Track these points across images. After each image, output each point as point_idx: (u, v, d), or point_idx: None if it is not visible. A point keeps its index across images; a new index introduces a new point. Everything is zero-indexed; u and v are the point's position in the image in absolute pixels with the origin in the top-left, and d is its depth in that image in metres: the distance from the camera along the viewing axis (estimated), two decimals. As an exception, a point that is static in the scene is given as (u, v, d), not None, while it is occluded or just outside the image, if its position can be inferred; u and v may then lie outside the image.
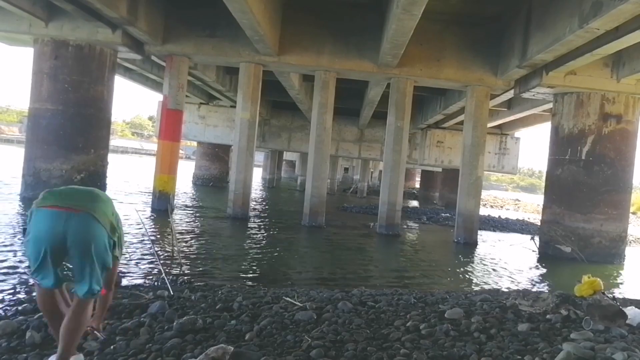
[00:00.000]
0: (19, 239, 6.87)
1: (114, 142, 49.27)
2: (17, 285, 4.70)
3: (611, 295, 4.68)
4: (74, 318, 2.60)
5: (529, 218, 21.95)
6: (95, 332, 2.93)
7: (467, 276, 7.98)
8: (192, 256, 7.17)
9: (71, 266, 2.58)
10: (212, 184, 24.35)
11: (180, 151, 15.32)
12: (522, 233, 14.90)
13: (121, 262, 6.11)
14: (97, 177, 11.42)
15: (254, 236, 10.13)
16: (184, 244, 8.06)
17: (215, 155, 25.24)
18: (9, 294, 4.42)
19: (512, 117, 18.67)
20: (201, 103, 23.15)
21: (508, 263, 9.36)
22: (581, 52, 8.47)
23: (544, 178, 13.10)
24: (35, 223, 2.52)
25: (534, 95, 11.54)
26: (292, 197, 23.62)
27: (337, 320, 3.89)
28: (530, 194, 68.94)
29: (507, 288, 6.59)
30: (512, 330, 3.85)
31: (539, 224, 12.34)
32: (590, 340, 3.54)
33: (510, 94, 13.05)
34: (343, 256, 8.76)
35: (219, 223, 11.38)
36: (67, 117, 10.79)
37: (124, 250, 3.06)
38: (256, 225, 11.56)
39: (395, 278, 7.23)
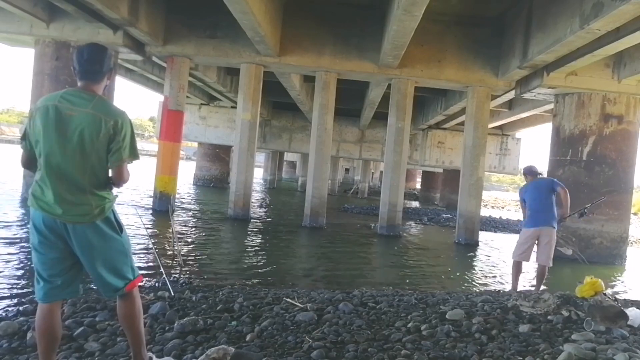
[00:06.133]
0: (19, 239, 6.89)
1: (114, 142, 48.96)
2: (18, 286, 4.70)
3: (612, 296, 4.68)
4: (124, 312, 2.53)
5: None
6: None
7: (468, 277, 7.97)
8: (193, 257, 7.17)
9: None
10: (212, 184, 24.36)
11: (181, 152, 15.33)
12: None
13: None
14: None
15: (255, 237, 10.13)
16: (185, 245, 8.06)
17: (216, 156, 25.25)
18: (10, 294, 4.42)
19: (513, 118, 18.67)
20: (202, 104, 23.17)
21: (509, 264, 9.33)
22: (582, 53, 8.47)
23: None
24: (36, 223, 2.45)
25: (534, 96, 11.54)
26: (293, 198, 23.62)
27: (338, 321, 3.89)
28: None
29: (508, 289, 6.58)
30: (513, 331, 3.85)
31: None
32: (591, 341, 3.54)
33: (511, 95, 13.05)
34: (344, 257, 8.76)
35: (219, 224, 11.38)
36: (68, 118, 10.78)
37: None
38: (257, 226, 11.56)
39: (396, 279, 7.23)
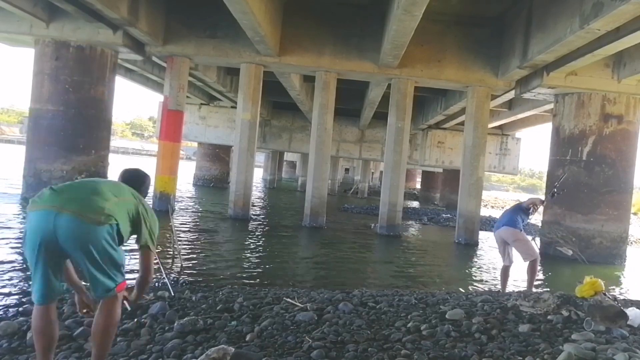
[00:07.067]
0: (19, 239, 6.88)
1: (114, 142, 49.21)
2: (18, 286, 4.70)
3: (612, 296, 4.68)
4: (101, 319, 2.49)
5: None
6: (125, 301, 2.78)
7: (468, 277, 7.98)
8: (193, 257, 7.17)
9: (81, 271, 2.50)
10: (212, 184, 24.37)
11: (181, 152, 15.33)
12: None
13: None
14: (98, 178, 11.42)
15: (255, 237, 10.13)
16: (185, 245, 8.06)
17: (216, 155, 25.25)
18: (10, 294, 4.42)
19: (512, 118, 18.67)
20: (202, 104, 23.16)
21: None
22: (582, 53, 8.47)
23: (544, 179, 13.09)
24: (28, 226, 2.42)
25: (534, 96, 11.54)
26: (293, 198, 23.62)
27: (338, 321, 3.89)
28: (531, 195, 68.89)
29: (509, 288, 6.58)
30: (513, 331, 3.84)
31: (539, 224, 12.32)
32: (591, 341, 3.54)
33: (511, 95, 13.05)
34: (344, 257, 8.76)
35: (219, 224, 11.38)
36: (67, 117, 10.79)
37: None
38: (257, 226, 11.56)
39: (396, 279, 7.23)
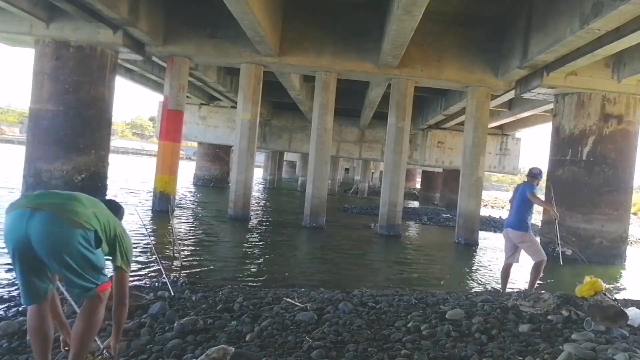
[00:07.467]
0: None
1: (114, 142, 49.21)
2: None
3: (612, 296, 4.68)
4: (81, 321, 2.44)
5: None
6: (106, 351, 2.68)
7: (468, 277, 7.97)
8: (193, 257, 7.17)
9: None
10: (212, 184, 24.37)
11: (181, 152, 15.33)
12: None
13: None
14: (98, 178, 11.42)
15: (255, 237, 10.14)
16: (185, 245, 8.06)
17: (216, 155, 25.26)
18: (10, 294, 4.42)
19: (512, 118, 18.67)
20: (202, 104, 23.17)
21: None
22: (582, 53, 8.46)
23: (544, 179, 13.05)
24: (4, 229, 2.38)
25: (534, 96, 11.54)
26: (293, 198, 23.62)
27: (338, 321, 3.89)
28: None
29: (508, 288, 6.58)
30: (513, 331, 3.84)
31: (539, 224, 12.32)
32: (591, 341, 3.54)
33: (511, 95, 13.04)
34: (343, 257, 8.76)
35: (219, 224, 11.38)
36: (68, 118, 10.79)
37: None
38: (257, 226, 11.56)
39: (396, 278, 7.23)
